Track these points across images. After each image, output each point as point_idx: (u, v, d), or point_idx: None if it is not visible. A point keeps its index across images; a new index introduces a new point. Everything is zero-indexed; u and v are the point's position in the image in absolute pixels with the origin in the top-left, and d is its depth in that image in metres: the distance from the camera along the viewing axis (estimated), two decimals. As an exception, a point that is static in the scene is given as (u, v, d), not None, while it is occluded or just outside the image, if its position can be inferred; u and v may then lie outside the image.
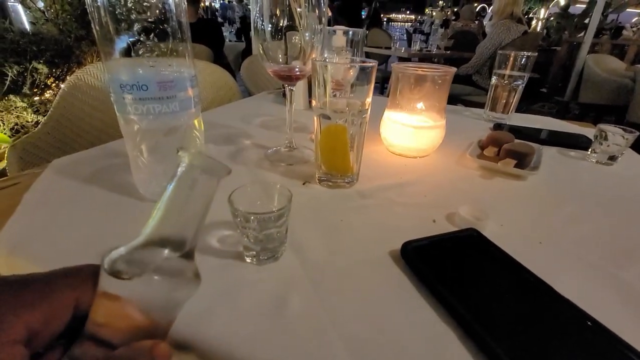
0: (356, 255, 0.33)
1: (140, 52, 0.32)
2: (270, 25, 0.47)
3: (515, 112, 0.80)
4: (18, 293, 0.15)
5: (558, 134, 0.70)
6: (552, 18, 5.52)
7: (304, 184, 0.46)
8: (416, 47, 3.09)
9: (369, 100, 0.42)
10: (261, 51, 0.49)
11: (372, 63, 0.40)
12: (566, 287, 0.28)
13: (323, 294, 0.28)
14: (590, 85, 2.84)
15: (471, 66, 2.38)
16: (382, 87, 3.45)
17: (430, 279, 0.28)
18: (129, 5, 0.30)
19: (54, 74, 1.37)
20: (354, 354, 0.23)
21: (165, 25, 0.33)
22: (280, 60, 0.50)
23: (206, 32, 2.28)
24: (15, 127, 1.20)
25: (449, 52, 3.05)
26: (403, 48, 3.48)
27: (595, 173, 0.55)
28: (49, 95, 1.39)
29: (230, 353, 0.23)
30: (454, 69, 0.51)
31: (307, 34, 0.49)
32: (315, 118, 0.44)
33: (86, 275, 0.17)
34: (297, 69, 0.50)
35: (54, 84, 1.42)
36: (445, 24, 4.62)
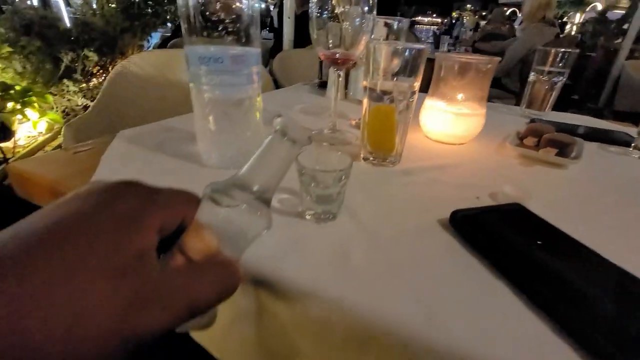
0: (407, 221, 0.35)
1: (218, 33, 0.36)
2: (317, 13, 0.51)
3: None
4: (158, 194, 0.18)
5: (598, 130, 0.69)
6: (587, 23, 5.32)
7: (349, 161, 0.49)
8: (444, 48, 3.06)
9: (417, 83, 0.44)
10: (314, 36, 0.52)
11: (424, 46, 0.42)
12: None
13: (381, 250, 0.31)
14: (627, 92, 2.73)
15: (500, 69, 2.34)
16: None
17: (480, 242, 0.30)
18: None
19: (99, 63, 1.46)
20: (418, 296, 0.26)
21: (242, 11, 0.36)
22: (329, 46, 0.53)
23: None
24: (66, 109, 1.29)
25: (477, 53, 3.01)
26: (430, 50, 3.46)
27: (638, 168, 0.55)
28: (94, 83, 1.48)
29: (303, 291, 0.26)
30: (498, 58, 0.53)
31: (353, 22, 0.51)
32: (365, 99, 0.46)
33: (192, 198, 0.20)
34: (338, 55, 0.53)
35: (99, 72, 1.51)
36: (476, 28, 4.56)
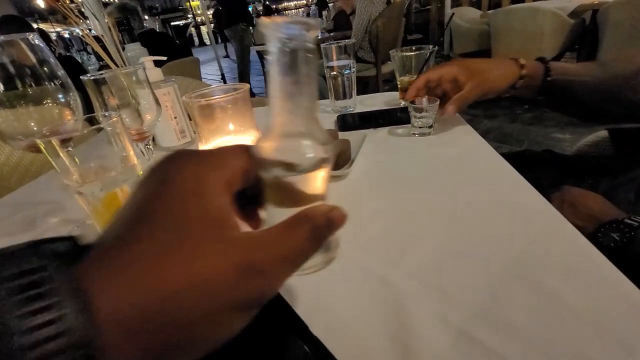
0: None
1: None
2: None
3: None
4: (209, 156, 0.17)
5: (388, 113, 0.72)
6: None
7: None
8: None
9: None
10: None
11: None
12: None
13: None
14: (458, 36, 3.14)
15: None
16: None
17: None
18: None
19: None
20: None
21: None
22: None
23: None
24: None
25: (332, 34, 3.12)
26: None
27: (417, 147, 0.58)
28: None
29: None
30: (246, 86, 0.49)
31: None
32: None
33: (244, 149, 0.18)
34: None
35: None
36: (321, 4, 4.72)
